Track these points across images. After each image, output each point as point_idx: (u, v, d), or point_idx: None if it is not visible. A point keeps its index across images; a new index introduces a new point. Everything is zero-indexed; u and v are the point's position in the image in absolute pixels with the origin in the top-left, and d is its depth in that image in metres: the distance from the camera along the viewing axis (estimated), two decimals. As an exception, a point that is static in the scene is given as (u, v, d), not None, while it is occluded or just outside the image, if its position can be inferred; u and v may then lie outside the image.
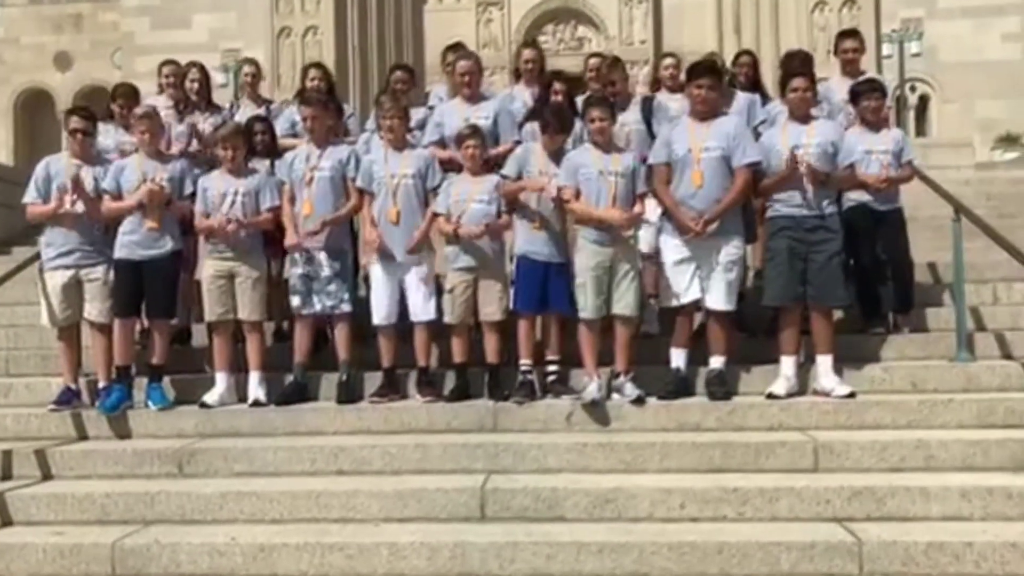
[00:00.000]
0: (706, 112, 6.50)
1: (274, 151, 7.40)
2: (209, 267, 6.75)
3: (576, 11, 30.85)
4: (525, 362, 6.54)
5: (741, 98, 7.40)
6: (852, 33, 8.08)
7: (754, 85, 7.97)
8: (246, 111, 8.04)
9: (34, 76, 35.78)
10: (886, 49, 28.78)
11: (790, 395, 6.38)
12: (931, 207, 10.56)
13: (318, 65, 8.45)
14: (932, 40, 29.70)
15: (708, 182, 6.38)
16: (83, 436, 6.60)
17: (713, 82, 6.48)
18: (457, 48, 8.26)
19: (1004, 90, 29.72)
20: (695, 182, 6.39)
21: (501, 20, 30.78)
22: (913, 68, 29.54)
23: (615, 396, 6.40)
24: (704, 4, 30.06)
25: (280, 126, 7.85)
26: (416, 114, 7.75)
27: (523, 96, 7.79)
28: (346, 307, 6.75)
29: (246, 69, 8.28)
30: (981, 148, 29.52)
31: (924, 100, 31.50)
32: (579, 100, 7.31)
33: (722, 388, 6.40)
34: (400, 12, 30.77)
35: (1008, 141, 29.28)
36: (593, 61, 8.10)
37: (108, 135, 7.50)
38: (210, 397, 6.66)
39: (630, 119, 7.20)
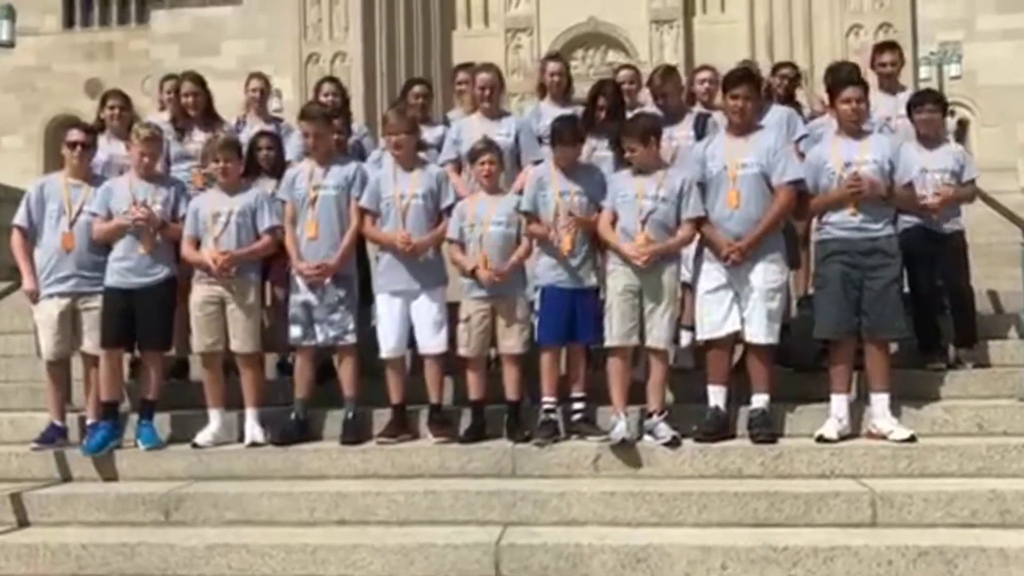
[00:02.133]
0: (743, 125, 5.94)
1: (281, 169, 6.88)
2: (198, 293, 6.21)
3: (606, 36, 30.55)
4: (548, 399, 5.96)
5: (778, 111, 6.80)
6: (890, 45, 7.48)
7: (790, 100, 7.39)
8: (253, 128, 7.54)
9: (65, 103, 35.82)
10: (924, 72, 28.15)
11: (842, 438, 5.75)
12: (984, 232, 9.93)
13: (332, 79, 7.99)
14: (971, 63, 28.99)
15: (745, 202, 5.81)
16: (67, 478, 6.10)
17: (750, 92, 5.92)
18: (468, 67, 7.77)
19: (1046, 114, 28.94)
20: (731, 202, 5.83)
21: (530, 46, 30.55)
22: (952, 92, 28.78)
23: (647, 437, 5.80)
24: (736, 27, 29.66)
25: (291, 144, 7.35)
26: (435, 132, 7.25)
27: (550, 113, 7.23)
28: (351, 338, 6.18)
29: (252, 84, 7.77)
30: (1023, 173, 28.75)
31: (963, 124, 30.71)
32: None
33: (766, 430, 5.77)
34: (428, 38, 30.65)
35: (1051, 165, 28.47)
36: (624, 74, 7.54)
37: (100, 148, 7.01)
38: (202, 437, 6.13)
39: (681, 134, 6.64)
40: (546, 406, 5.93)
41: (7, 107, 35.73)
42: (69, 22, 37.21)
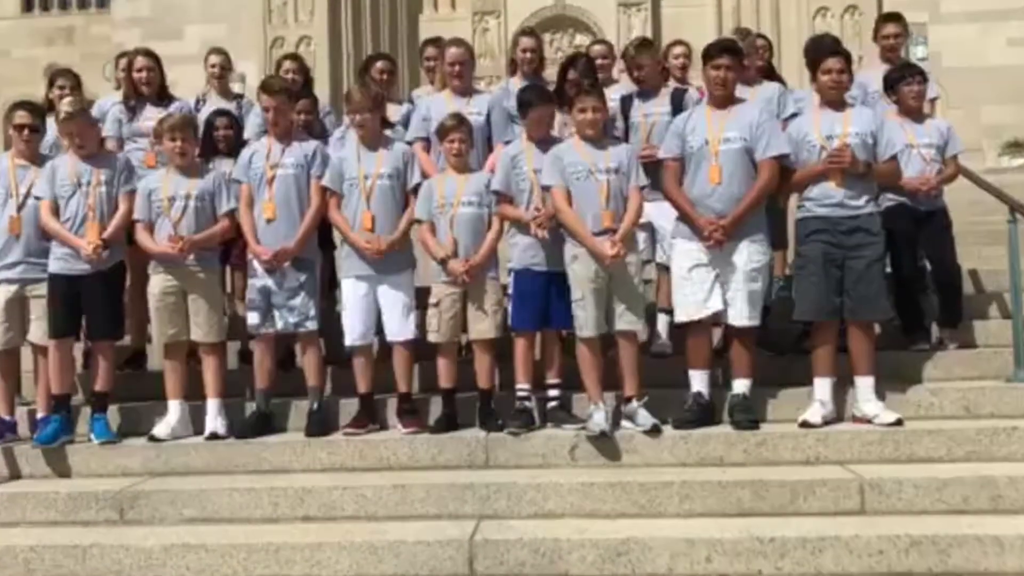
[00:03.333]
0: (725, 98, 5.70)
1: (240, 150, 6.55)
2: (157, 282, 5.89)
3: (573, 19, 30.30)
4: (522, 386, 5.71)
5: (768, 87, 6.56)
6: (895, 17, 7.24)
7: (770, 73, 7.16)
8: (214, 106, 7.21)
9: (24, 89, 34.65)
10: (890, 54, 28.10)
11: (826, 423, 5.56)
12: (955, 210, 9.79)
13: (294, 56, 7.68)
14: (936, 45, 28.97)
15: (728, 178, 5.58)
16: (16, 475, 5.79)
17: (733, 62, 5.68)
18: (436, 42, 7.48)
19: (1010, 96, 28.95)
20: (712, 178, 5.59)
21: (498, 29, 30.23)
22: (918, 73, 28.75)
23: (626, 424, 5.57)
24: (704, 10, 29.49)
25: (250, 123, 7.03)
26: (399, 110, 6.96)
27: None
28: (311, 324, 5.89)
29: (212, 59, 7.43)
30: (988, 154, 28.82)
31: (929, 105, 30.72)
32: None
33: (748, 415, 5.56)
34: (395, 22, 30.22)
35: (1015, 147, 28.55)
36: (597, 49, 7.29)
37: (48, 128, 6.66)
38: (160, 429, 5.82)
39: (657, 110, 6.39)
40: (520, 393, 5.69)
41: (-36, 93, 34.90)
42: (28, 6, 36.37)
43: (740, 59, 5.79)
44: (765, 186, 5.62)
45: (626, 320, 5.58)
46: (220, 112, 6.76)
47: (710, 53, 5.70)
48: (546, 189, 5.67)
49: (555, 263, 5.69)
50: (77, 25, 35.87)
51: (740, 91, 6.16)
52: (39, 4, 36.35)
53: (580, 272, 5.57)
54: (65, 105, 6.03)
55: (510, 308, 5.77)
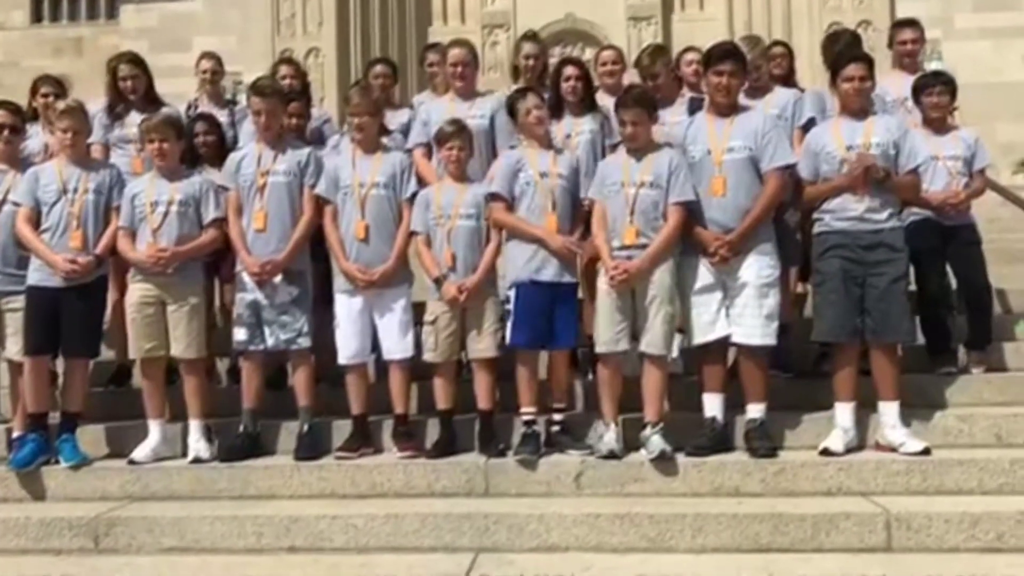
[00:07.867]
0: (728, 105, 5.40)
1: (225, 158, 6.24)
2: (135, 292, 5.58)
3: (583, 33, 29.98)
4: (528, 410, 5.38)
5: (782, 93, 6.24)
6: (910, 23, 6.94)
7: (788, 82, 6.85)
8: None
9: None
10: (905, 70, 27.80)
11: (848, 451, 5.22)
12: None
13: (289, 61, 7.40)
14: (950, 61, 28.32)
15: (733, 189, 5.28)
16: (-12, 498, 5.46)
17: (736, 68, 5.38)
18: (437, 47, 7.19)
19: (1024, 113, 28.70)
20: (716, 190, 5.29)
21: (507, 43, 29.89)
22: (932, 90, 28.43)
23: (640, 451, 5.23)
24: (715, 25, 29.13)
25: (245, 130, 6.73)
26: (399, 116, 6.66)
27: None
28: (304, 342, 5.58)
29: (203, 64, 7.15)
30: (1003, 172, 28.44)
31: (944, 123, 30.38)
32: None
33: (766, 443, 5.23)
34: (404, 34, 29.98)
35: (1031, 165, 28.22)
36: (607, 54, 6.97)
37: (34, 137, 6.39)
38: (140, 452, 5.52)
39: (674, 119, 6.07)
40: (526, 418, 5.36)
41: (-27, 104, 34.77)
42: (37, 17, 36.20)
43: (743, 65, 5.47)
44: (772, 198, 5.31)
45: (647, 341, 5.27)
46: (200, 117, 6.43)
47: (712, 58, 5.41)
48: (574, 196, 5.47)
49: (559, 274, 5.37)
50: (86, 36, 35.68)
51: (751, 99, 5.87)
52: (48, 15, 36.30)
53: (601, 285, 5.30)
54: (67, 100, 5.74)
55: (509, 325, 5.43)
